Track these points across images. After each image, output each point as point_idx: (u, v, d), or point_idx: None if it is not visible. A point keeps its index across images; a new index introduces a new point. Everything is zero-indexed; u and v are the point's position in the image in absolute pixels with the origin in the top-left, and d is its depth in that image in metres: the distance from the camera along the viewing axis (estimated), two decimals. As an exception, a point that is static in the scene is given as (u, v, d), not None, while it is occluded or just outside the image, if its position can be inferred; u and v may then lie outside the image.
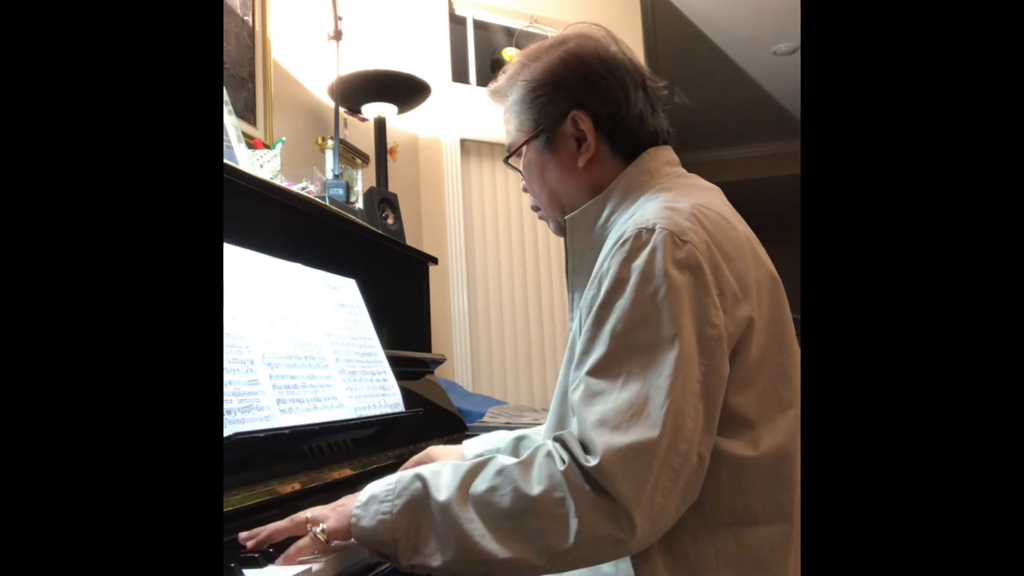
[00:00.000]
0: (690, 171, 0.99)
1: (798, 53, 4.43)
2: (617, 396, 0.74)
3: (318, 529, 0.81)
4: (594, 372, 0.77)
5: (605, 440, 0.72)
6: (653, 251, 0.77)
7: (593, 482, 0.72)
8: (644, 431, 0.72)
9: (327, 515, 0.83)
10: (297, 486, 1.05)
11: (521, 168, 1.01)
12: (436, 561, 0.75)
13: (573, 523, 0.71)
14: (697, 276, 0.77)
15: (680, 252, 0.77)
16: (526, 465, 0.76)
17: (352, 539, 0.80)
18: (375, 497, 0.80)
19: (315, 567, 0.78)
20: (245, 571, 0.78)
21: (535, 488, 0.73)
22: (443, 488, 0.77)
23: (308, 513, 0.83)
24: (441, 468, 0.80)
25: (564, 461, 0.74)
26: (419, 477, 0.79)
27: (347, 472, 1.15)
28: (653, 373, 0.74)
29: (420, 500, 0.77)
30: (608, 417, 0.74)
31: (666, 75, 4.74)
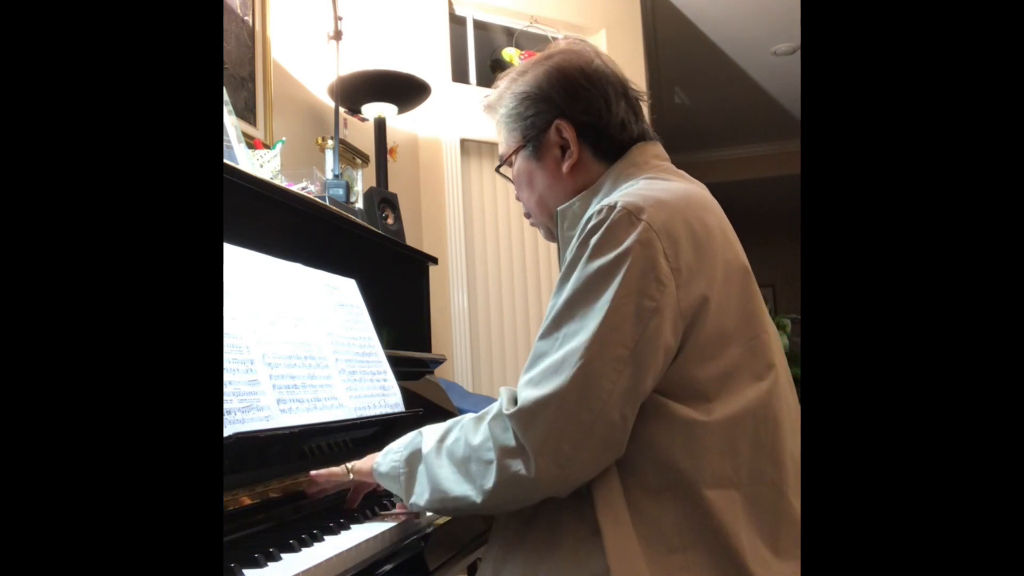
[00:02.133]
0: (690, 171, 1.02)
1: (798, 53, 4.43)
2: (550, 359, 0.83)
3: (349, 465, 1.07)
4: (540, 336, 0.87)
5: (525, 394, 0.83)
6: (610, 227, 0.84)
7: (510, 429, 0.82)
8: (554, 386, 0.81)
9: (359, 461, 1.07)
10: (297, 486, 1.05)
11: (512, 177, 1.08)
12: (421, 500, 0.91)
13: (494, 465, 0.83)
14: (647, 251, 0.82)
15: (632, 228, 0.83)
16: (478, 420, 0.88)
17: (371, 478, 1.02)
18: (391, 448, 0.99)
19: (387, 526, 1.03)
20: (245, 571, 0.78)
21: (476, 438, 0.86)
22: (430, 441, 0.93)
23: (348, 465, 1.08)
24: (437, 426, 0.95)
25: (495, 414, 0.85)
26: (420, 433, 0.96)
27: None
28: (579, 336, 0.82)
29: (417, 451, 0.94)
30: (535, 376, 0.83)
31: (666, 75, 4.74)
